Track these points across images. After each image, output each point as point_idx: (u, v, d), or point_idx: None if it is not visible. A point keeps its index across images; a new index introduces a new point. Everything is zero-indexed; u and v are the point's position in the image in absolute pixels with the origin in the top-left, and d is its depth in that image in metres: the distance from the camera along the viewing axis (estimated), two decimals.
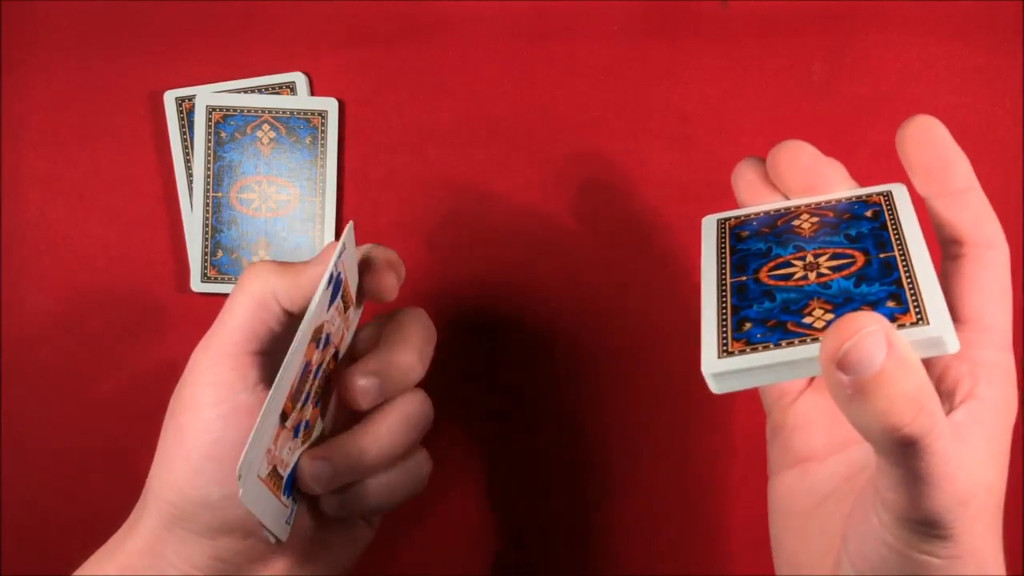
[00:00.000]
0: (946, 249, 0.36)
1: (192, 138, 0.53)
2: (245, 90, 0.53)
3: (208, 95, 0.53)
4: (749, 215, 0.38)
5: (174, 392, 0.40)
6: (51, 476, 0.53)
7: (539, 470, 0.53)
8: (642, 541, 0.53)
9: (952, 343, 0.31)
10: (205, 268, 0.53)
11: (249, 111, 0.53)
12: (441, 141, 0.53)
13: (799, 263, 0.35)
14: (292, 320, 0.40)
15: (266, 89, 0.53)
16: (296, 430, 0.39)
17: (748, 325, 0.33)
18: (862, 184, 0.38)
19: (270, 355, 0.40)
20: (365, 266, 0.42)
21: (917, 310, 0.31)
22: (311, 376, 0.39)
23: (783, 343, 0.32)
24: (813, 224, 0.36)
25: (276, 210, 0.53)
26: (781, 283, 0.34)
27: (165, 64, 0.53)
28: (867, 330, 0.29)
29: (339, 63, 0.53)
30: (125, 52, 0.53)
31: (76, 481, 0.53)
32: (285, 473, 0.38)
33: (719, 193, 0.51)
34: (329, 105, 0.53)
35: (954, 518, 0.31)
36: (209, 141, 0.53)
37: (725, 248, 0.37)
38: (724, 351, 0.33)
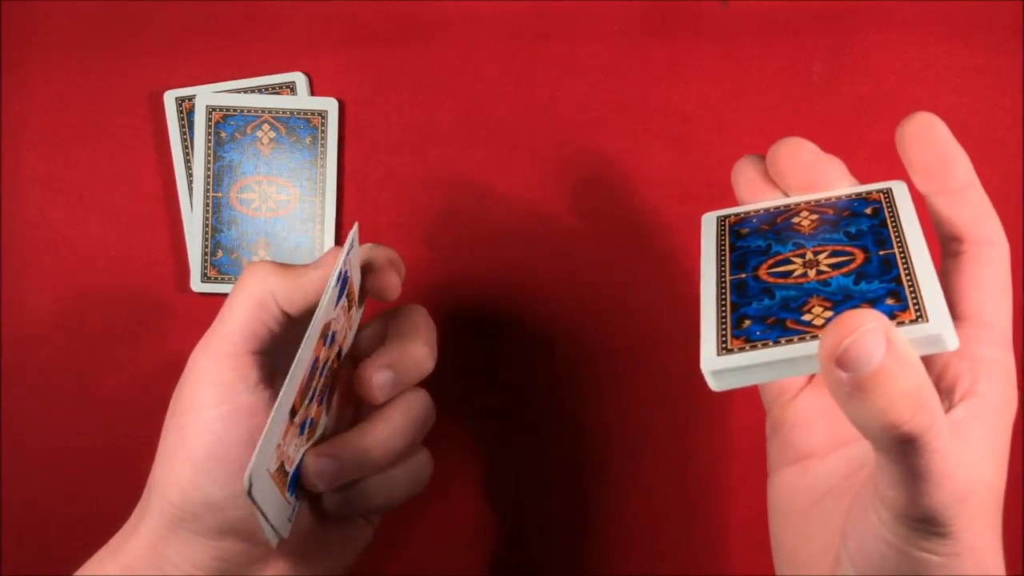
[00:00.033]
0: (946, 246, 0.35)
1: (192, 138, 0.53)
2: (245, 90, 0.53)
3: (208, 95, 0.53)
4: (749, 212, 0.38)
5: (174, 392, 0.40)
6: (51, 476, 0.53)
7: (539, 469, 0.53)
8: (642, 540, 0.53)
9: (951, 340, 0.31)
10: (205, 268, 0.53)
11: (249, 111, 0.53)
12: (441, 141, 0.53)
13: (799, 260, 0.35)
14: (291, 322, 0.40)
15: (266, 89, 0.53)
16: (302, 427, 0.39)
17: (747, 322, 0.33)
18: (862, 183, 0.38)
19: (269, 355, 0.40)
20: (367, 266, 0.42)
21: (916, 307, 0.31)
22: (318, 373, 0.39)
23: (782, 340, 0.32)
24: (813, 221, 0.36)
25: (276, 210, 0.53)
26: (780, 280, 0.34)
27: (165, 64, 0.53)
28: (866, 327, 0.29)
29: (339, 63, 0.53)
30: (125, 52, 0.54)
31: (76, 481, 0.53)
32: (291, 470, 0.39)
33: (719, 193, 0.51)
34: (329, 105, 0.53)
35: (953, 515, 0.31)
36: (209, 141, 0.53)
37: (725, 245, 0.37)
38: (723, 348, 0.33)
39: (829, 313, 0.32)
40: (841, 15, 0.52)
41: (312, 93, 0.53)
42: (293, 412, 0.37)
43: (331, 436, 0.42)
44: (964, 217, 0.35)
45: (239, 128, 0.53)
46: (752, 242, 0.37)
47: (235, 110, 0.53)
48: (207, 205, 0.53)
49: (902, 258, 0.34)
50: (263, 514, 0.36)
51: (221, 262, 0.53)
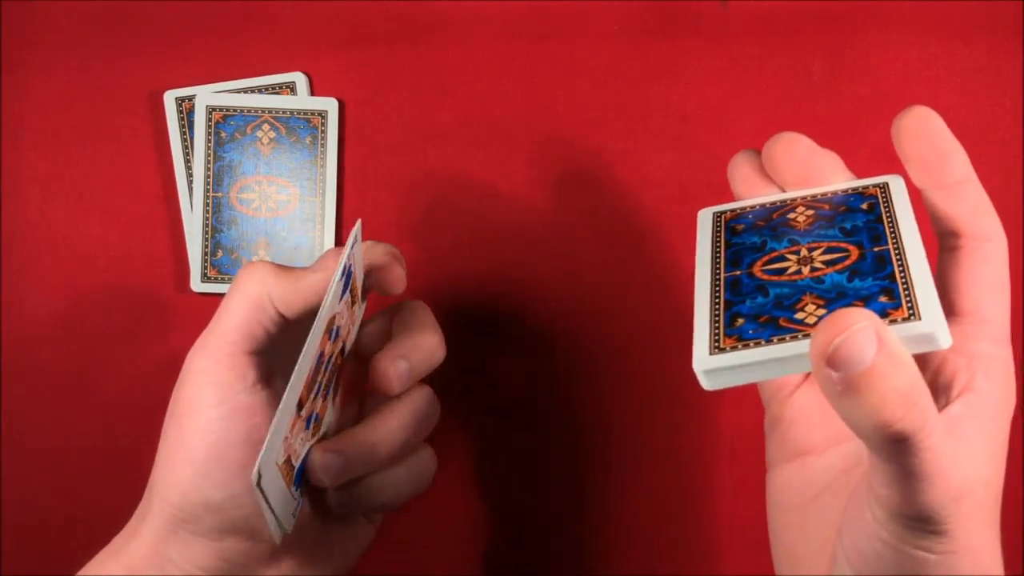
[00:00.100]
0: (944, 241, 0.35)
1: (192, 138, 0.53)
2: (245, 90, 0.53)
3: (208, 95, 0.53)
4: (745, 208, 0.38)
5: (173, 393, 0.40)
6: (51, 476, 0.53)
7: (538, 468, 0.53)
8: (642, 540, 0.53)
9: (944, 339, 0.31)
10: (205, 268, 0.53)
11: (249, 111, 0.53)
12: (441, 141, 0.53)
13: (793, 257, 0.35)
14: (287, 324, 0.40)
15: (266, 89, 0.53)
16: (308, 421, 0.39)
17: (740, 321, 0.33)
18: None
19: (266, 356, 0.40)
20: (369, 262, 0.42)
21: (909, 305, 0.31)
22: (323, 368, 0.39)
23: (775, 339, 0.32)
24: (808, 217, 0.36)
25: (276, 210, 0.53)
26: (774, 278, 0.34)
27: (165, 64, 0.53)
28: (857, 326, 0.29)
29: (339, 63, 0.53)
30: (125, 52, 0.53)
31: (76, 481, 0.53)
32: (297, 464, 0.39)
33: (719, 193, 0.51)
34: (329, 105, 0.53)
35: (948, 514, 0.31)
36: (209, 141, 0.53)
37: (720, 242, 0.37)
38: (716, 347, 0.32)
39: (822, 311, 0.32)
40: (841, 15, 0.52)
41: (312, 93, 0.53)
42: (300, 405, 0.37)
43: (334, 433, 0.42)
44: (962, 212, 0.34)
45: (239, 128, 0.53)
46: (747, 238, 0.37)
47: (235, 110, 0.53)
48: (207, 205, 0.53)
49: (896, 255, 0.33)
50: (270, 507, 0.36)
51: (221, 262, 0.53)
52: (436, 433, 0.44)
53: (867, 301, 0.32)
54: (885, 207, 0.36)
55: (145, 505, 0.40)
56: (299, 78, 0.53)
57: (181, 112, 0.53)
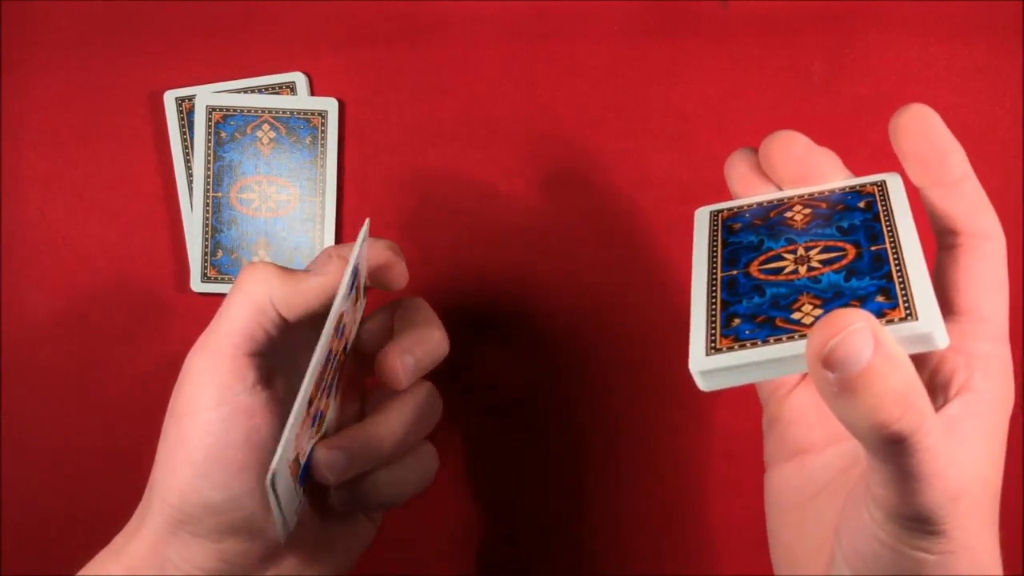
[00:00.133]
0: (942, 239, 0.35)
1: (192, 138, 0.53)
2: (245, 90, 0.53)
3: (208, 95, 0.53)
4: (742, 207, 0.38)
5: (173, 393, 0.40)
6: (51, 476, 0.53)
7: (538, 467, 0.53)
8: (641, 540, 0.53)
9: (941, 339, 0.30)
10: (205, 268, 0.53)
11: (249, 111, 0.53)
12: (441, 141, 0.53)
13: (790, 256, 0.35)
14: (287, 326, 0.40)
15: (266, 89, 0.53)
16: (314, 419, 0.39)
17: (737, 321, 0.33)
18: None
19: (266, 357, 0.40)
20: (370, 259, 0.42)
21: (907, 305, 0.31)
22: (329, 365, 0.39)
23: (771, 340, 0.31)
24: (806, 216, 0.36)
25: (276, 210, 0.53)
26: (771, 278, 0.34)
27: (165, 64, 0.53)
28: (853, 327, 0.28)
29: (339, 63, 0.53)
30: (125, 52, 0.53)
31: (76, 481, 0.53)
32: (303, 461, 0.39)
33: (719, 193, 0.51)
34: (329, 105, 0.53)
35: (946, 514, 0.31)
36: (209, 141, 0.53)
37: (717, 241, 0.37)
38: (712, 348, 0.32)
39: (819, 311, 0.32)
40: (841, 15, 0.52)
41: (312, 93, 0.53)
42: (309, 403, 0.37)
43: (334, 430, 0.42)
44: (960, 210, 0.34)
45: (239, 128, 0.53)
46: (744, 238, 0.36)
47: (235, 110, 0.53)
48: (207, 205, 0.53)
49: (894, 254, 0.33)
50: (280, 507, 0.36)
51: (221, 262, 0.53)
52: (435, 432, 0.44)
53: (864, 301, 0.32)
54: (883, 205, 0.35)
55: (145, 505, 0.40)
56: (299, 78, 0.53)
57: (181, 112, 0.53)
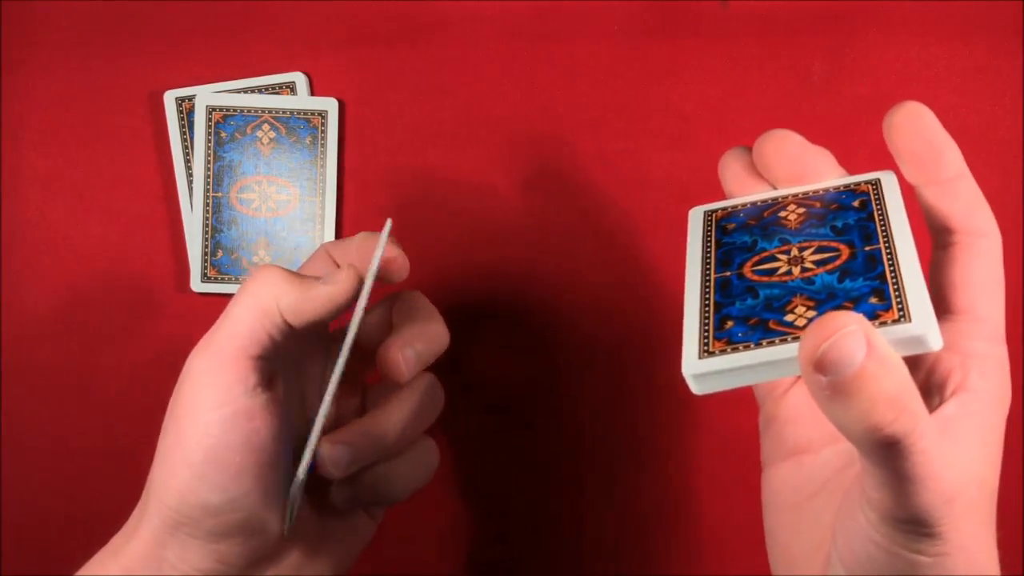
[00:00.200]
0: (937, 238, 0.35)
1: (192, 138, 0.53)
2: (245, 90, 0.53)
3: (208, 95, 0.53)
4: (736, 206, 0.38)
5: (173, 394, 0.40)
6: (51, 476, 0.53)
7: (537, 466, 0.53)
8: (639, 539, 0.52)
9: (935, 341, 0.30)
10: (205, 268, 0.53)
11: (249, 111, 0.53)
12: (441, 141, 0.53)
13: (784, 257, 0.34)
14: (292, 331, 0.40)
15: (266, 89, 0.53)
16: None
17: (730, 323, 0.32)
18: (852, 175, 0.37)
19: (267, 360, 0.40)
20: (371, 254, 0.42)
21: (900, 307, 0.31)
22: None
23: (764, 342, 0.31)
24: (800, 215, 0.36)
25: (276, 210, 0.53)
26: (764, 279, 0.34)
27: (165, 64, 0.53)
28: (845, 330, 0.28)
29: (339, 63, 0.53)
30: (125, 52, 0.53)
31: (76, 481, 0.53)
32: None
33: (718, 193, 0.51)
34: (329, 105, 0.53)
35: (941, 516, 0.30)
36: (209, 141, 0.53)
37: (711, 242, 0.37)
38: (705, 351, 0.32)
39: (812, 313, 0.31)
40: (841, 15, 0.52)
41: (312, 93, 0.53)
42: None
43: (334, 425, 0.42)
44: (955, 208, 0.34)
45: (239, 128, 0.53)
46: (738, 238, 0.36)
47: (235, 110, 0.53)
48: (207, 205, 0.53)
49: (888, 254, 0.33)
50: (292, 505, 0.37)
51: (221, 262, 0.53)
52: (434, 429, 0.44)
53: (857, 302, 0.31)
54: (877, 204, 0.35)
55: (142, 506, 0.40)
56: (299, 78, 0.53)
57: (181, 112, 0.53)
